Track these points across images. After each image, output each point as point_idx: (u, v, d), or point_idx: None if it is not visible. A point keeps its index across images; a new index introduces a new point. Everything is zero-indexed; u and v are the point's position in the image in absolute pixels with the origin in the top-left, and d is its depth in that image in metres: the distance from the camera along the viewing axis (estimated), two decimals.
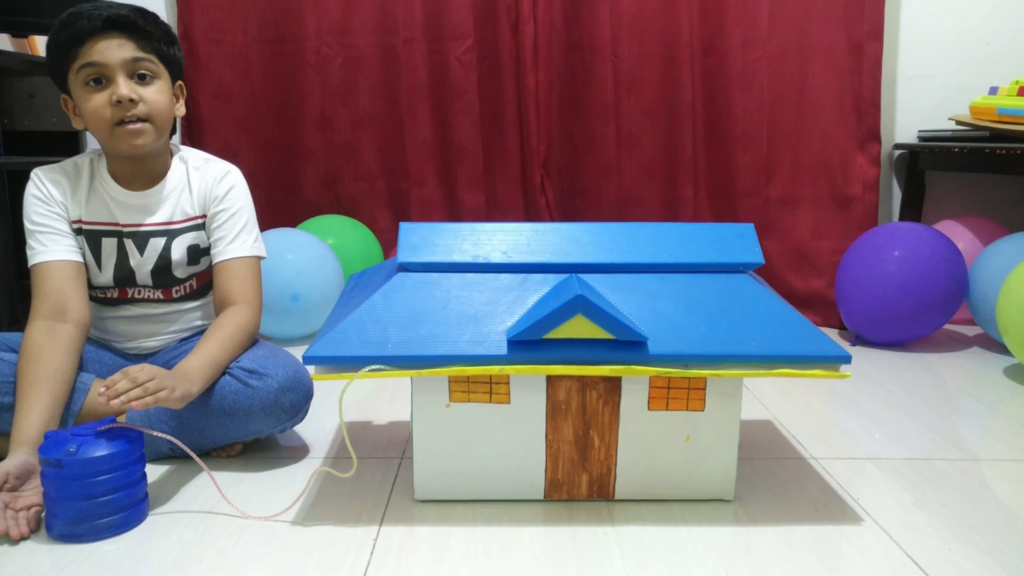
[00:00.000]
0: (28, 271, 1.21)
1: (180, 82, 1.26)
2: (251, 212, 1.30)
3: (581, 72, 2.15)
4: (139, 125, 1.16)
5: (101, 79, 1.14)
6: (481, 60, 2.16)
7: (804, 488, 1.14)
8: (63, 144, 2.06)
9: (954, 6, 2.18)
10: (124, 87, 1.14)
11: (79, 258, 1.22)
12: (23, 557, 0.94)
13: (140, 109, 1.15)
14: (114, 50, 1.13)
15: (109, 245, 1.24)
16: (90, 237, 1.24)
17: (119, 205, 1.24)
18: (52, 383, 1.09)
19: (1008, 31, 2.18)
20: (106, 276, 1.25)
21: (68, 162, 1.25)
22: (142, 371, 1.00)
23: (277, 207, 2.25)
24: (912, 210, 2.25)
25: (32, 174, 1.22)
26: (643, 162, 2.18)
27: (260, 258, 1.29)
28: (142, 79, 1.17)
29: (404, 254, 1.07)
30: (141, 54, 1.16)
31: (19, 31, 2.02)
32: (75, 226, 1.23)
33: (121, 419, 1.15)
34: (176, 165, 1.28)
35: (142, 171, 1.24)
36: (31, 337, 1.13)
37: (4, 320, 1.76)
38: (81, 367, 1.22)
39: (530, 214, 2.24)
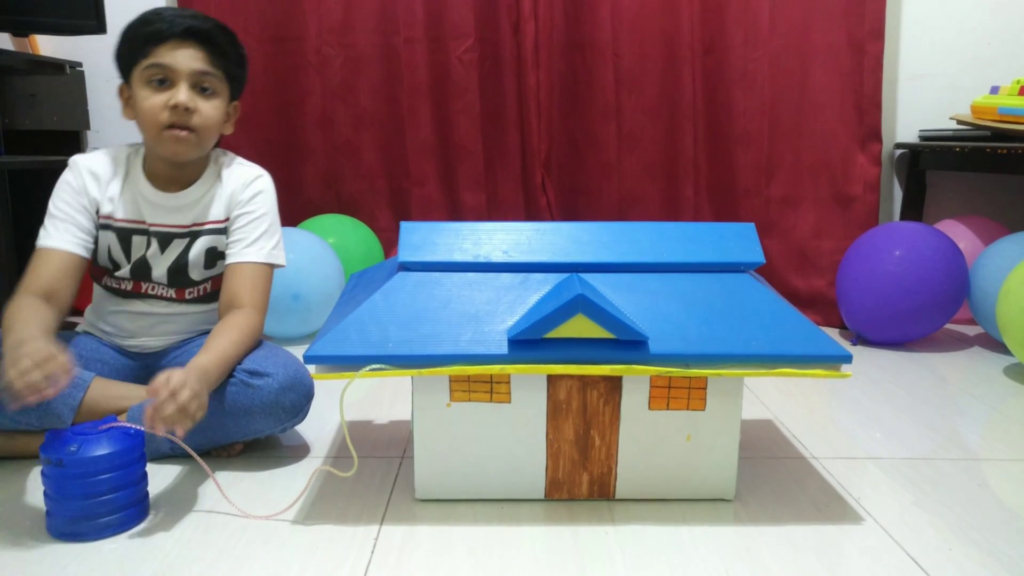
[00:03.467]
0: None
1: (236, 103, 1.29)
2: (274, 219, 1.31)
3: (582, 71, 2.15)
4: (185, 134, 1.18)
5: (165, 81, 1.17)
6: (482, 59, 2.16)
7: (805, 488, 1.14)
8: (64, 144, 2.06)
9: (956, 5, 2.18)
10: (184, 94, 1.16)
11: (84, 253, 1.21)
12: (24, 555, 0.94)
13: (193, 120, 1.18)
14: (186, 59, 1.17)
15: (139, 242, 1.25)
16: (120, 234, 1.25)
17: (149, 204, 1.25)
18: (46, 325, 1.08)
19: (1009, 30, 2.18)
20: (126, 268, 1.26)
21: (109, 153, 1.26)
22: (184, 386, 0.96)
23: (278, 206, 2.24)
24: (913, 210, 2.25)
25: (72, 161, 1.24)
26: (644, 161, 2.18)
27: (276, 266, 1.29)
28: (203, 91, 1.19)
29: (405, 253, 1.07)
30: (210, 68, 1.19)
31: (20, 30, 2.02)
32: (104, 221, 1.24)
33: (122, 418, 1.15)
34: (210, 169, 1.29)
35: (177, 175, 1.25)
36: (20, 301, 1.12)
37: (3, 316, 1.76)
38: (82, 364, 1.22)
39: (531, 213, 2.24)
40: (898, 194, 2.29)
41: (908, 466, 1.22)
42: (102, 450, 0.96)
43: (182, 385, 0.97)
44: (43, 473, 0.97)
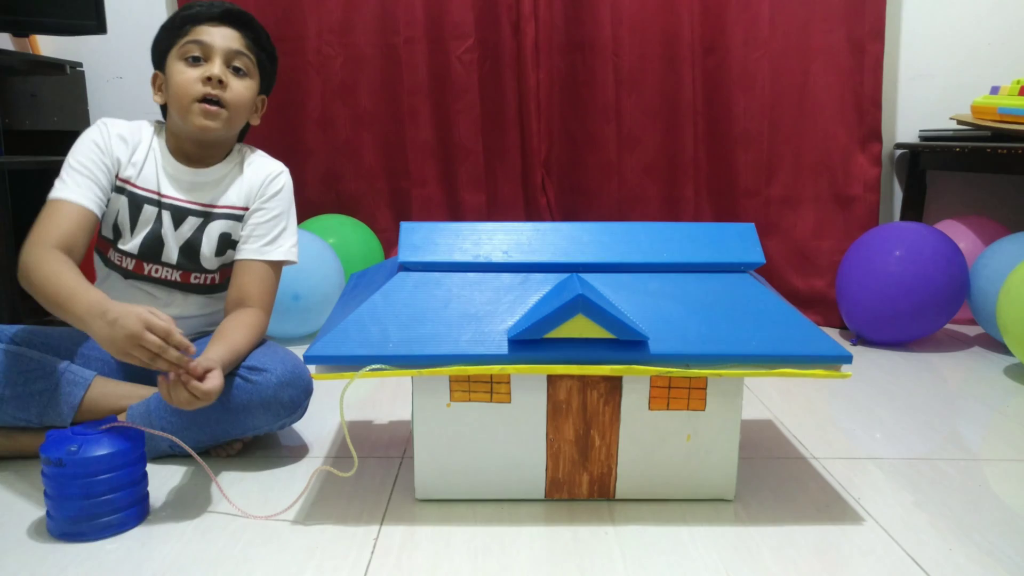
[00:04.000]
0: None
1: (264, 97, 1.32)
2: (292, 218, 1.32)
3: (582, 71, 2.15)
4: (216, 109, 1.20)
5: (200, 58, 1.20)
6: (482, 60, 2.16)
7: (805, 488, 1.14)
8: (64, 144, 2.06)
9: (955, 5, 2.18)
10: (218, 68, 1.19)
11: (99, 212, 1.19)
12: (24, 555, 0.94)
13: (225, 94, 1.20)
14: (223, 37, 1.21)
15: (148, 212, 1.24)
16: (132, 200, 1.24)
17: (167, 176, 1.25)
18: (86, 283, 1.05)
19: (1009, 30, 2.18)
20: (134, 242, 1.24)
21: (135, 123, 1.27)
22: (213, 373, 1.02)
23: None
24: (913, 210, 2.25)
25: (100, 122, 1.24)
26: (644, 161, 2.18)
27: (289, 263, 1.31)
28: (236, 72, 1.23)
29: (405, 253, 1.07)
30: (244, 50, 1.23)
31: (20, 31, 2.02)
32: (121, 184, 1.23)
33: (121, 418, 1.15)
34: (233, 155, 1.30)
35: (200, 154, 1.26)
36: (47, 255, 1.07)
37: (4, 317, 1.76)
38: (82, 362, 1.22)
39: (531, 214, 2.24)
40: (898, 194, 2.29)
41: (908, 466, 1.22)
42: (102, 450, 0.96)
43: (210, 366, 1.02)
44: (43, 473, 0.97)
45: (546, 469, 1.07)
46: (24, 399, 1.12)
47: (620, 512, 1.05)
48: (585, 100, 2.16)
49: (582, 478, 1.07)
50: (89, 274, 1.13)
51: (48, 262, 1.06)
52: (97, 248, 1.30)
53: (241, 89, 1.23)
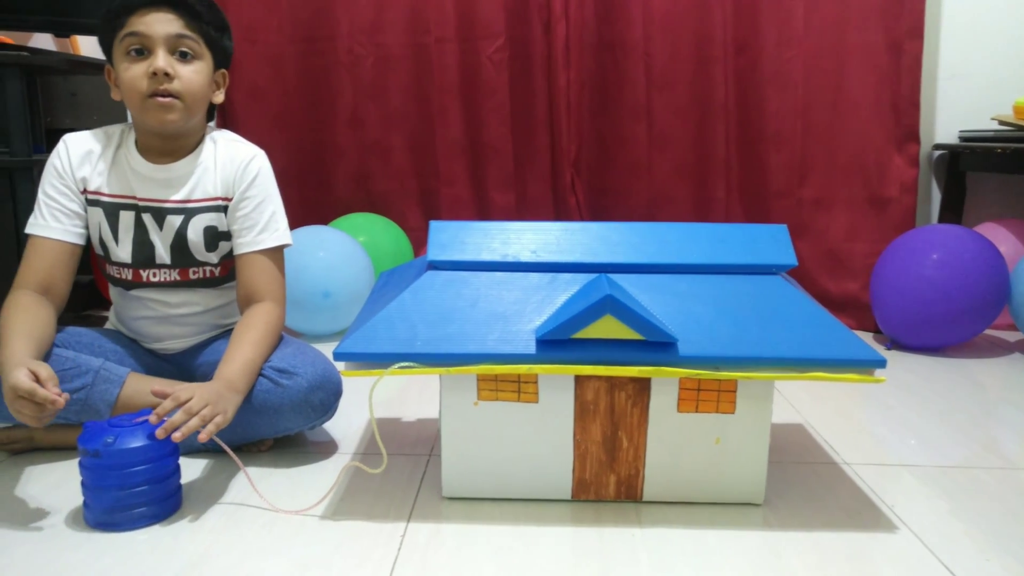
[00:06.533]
0: None
1: (224, 71, 1.26)
2: (277, 199, 1.28)
3: (613, 71, 2.14)
4: (169, 100, 1.15)
5: (143, 50, 1.15)
6: (512, 59, 2.16)
7: (836, 494, 1.12)
8: None
9: (997, 2, 2.13)
10: (162, 60, 1.14)
11: (77, 240, 1.21)
12: (61, 543, 0.97)
13: (174, 85, 1.15)
14: (160, 23, 1.14)
15: (127, 219, 1.23)
16: (108, 209, 1.22)
17: (139, 178, 1.22)
18: (39, 330, 1.11)
19: None
20: (124, 252, 1.24)
21: (100, 130, 1.25)
22: (194, 399, 1.01)
23: (309, 205, 2.27)
24: (952, 212, 2.20)
25: (60, 142, 1.22)
26: (675, 162, 2.16)
27: (286, 246, 1.28)
28: (183, 57, 1.17)
29: (434, 252, 1.08)
30: (186, 32, 1.16)
31: (62, 31, 2.07)
32: (92, 197, 1.22)
33: None
34: (205, 144, 1.26)
35: (170, 147, 1.23)
36: (17, 298, 1.14)
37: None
38: (118, 360, 1.24)
39: (560, 213, 2.23)
40: (936, 196, 2.24)
41: (943, 474, 1.19)
42: (137, 442, 0.98)
43: (189, 395, 1.01)
44: (81, 463, 0.99)
45: (573, 470, 1.06)
46: None
47: (647, 514, 1.05)
48: (615, 100, 2.15)
49: (609, 479, 1.07)
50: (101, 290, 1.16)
51: (10, 309, 1.12)
52: (100, 267, 1.30)
53: (191, 74, 1.17)
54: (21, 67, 1.67)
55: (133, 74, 1.15)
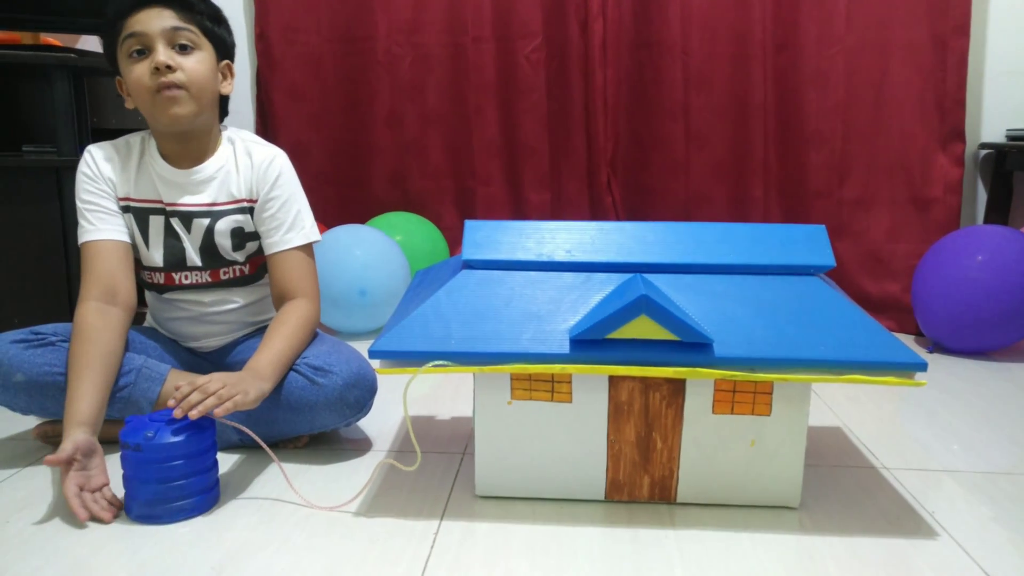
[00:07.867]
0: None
1: (228, 62, 1.27)
2: (302, 197, 1.30)
3: (650, 70, 2.13)
4: (176, 92, 1.16)
5: (144, 50, 1.17)
6: (549, 58, 2.16)
7: (874, 498, 1.10)
8: None
9: None
10: (162, 54, 1.15)
11: (127, 238, 1.23)
12: (103, 534, 0.99)
13: (178, 76, 1.16)
14: (154, 19, 1.16)
15: (156, 223, 1.25)
16: (138, 215, 1.25)
17: (164, 183, 1.24)
18: (106, 366, 1.13)
19: None
20: (155, 256, 1.26)
21: (120, 140, 1.28)
22: (211, 381, 1.04)
23: (346, 203, 2.30)
24: (998, 213, 2.14)
25: (85, 152, 1.24)
26: (712, 161, 2.14)
27: (314, 243, 1.30)
28: (183, 49, 1.18)
29: (469, 251, 1.08)
30: (181, 23, 1.17)
31: None
32: (123, 203, 1.24)
33: None
34: (224, 146, 1.28)
35: (189, 150, 1.24)
36: (84, 318, 1.15)
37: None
38: (158, 357, 1.27)
39: (596, 213, 2.23)
40: (982, 197, 2.19)
41: (987, 480, 1.16)
42: (177, 437, 1.00)
43: (208, 380, 1.04)
44: (122, 457, 1.01)
45: (606, 470, 1.06)
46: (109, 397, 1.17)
47: (681, 516, 1.04)
48: (652, 99, 2.14)
49: (643, 480, 1.06)
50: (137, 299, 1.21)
51: (76, 330, 1.14)
52: (135, 271, 1.32)
53: (193, 64, 1.18)
54: (69, 68, 1.71)
55: (138, 74, 1.17)
